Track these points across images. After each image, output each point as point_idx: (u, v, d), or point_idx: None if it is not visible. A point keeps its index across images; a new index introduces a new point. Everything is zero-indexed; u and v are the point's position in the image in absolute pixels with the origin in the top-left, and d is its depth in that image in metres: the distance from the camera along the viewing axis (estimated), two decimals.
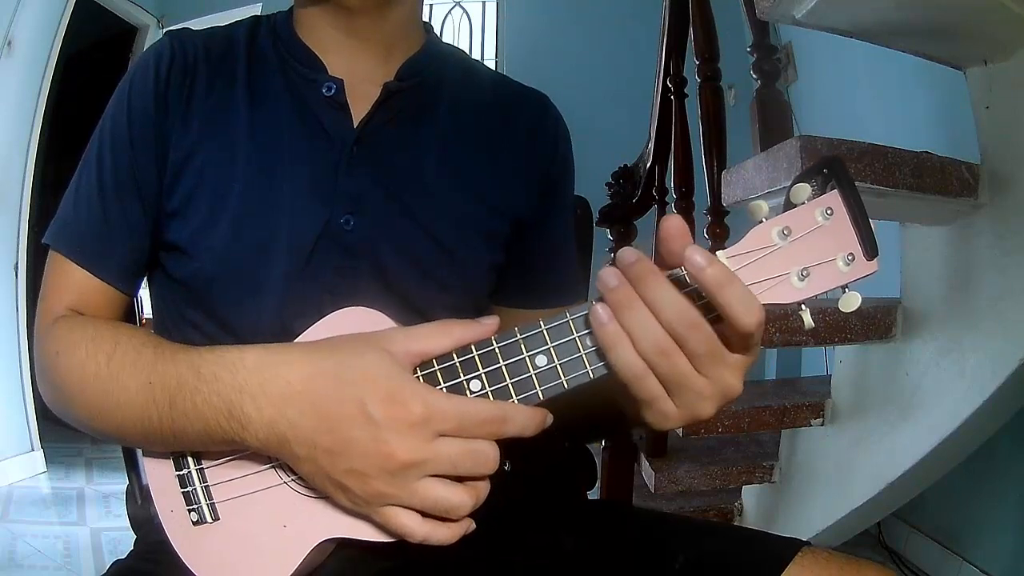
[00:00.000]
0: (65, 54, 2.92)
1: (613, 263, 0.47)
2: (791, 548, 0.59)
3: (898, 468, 1.30)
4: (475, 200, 0.69)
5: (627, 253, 0.46)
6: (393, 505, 0.49)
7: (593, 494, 0.94)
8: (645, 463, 1.57)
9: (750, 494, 1.68)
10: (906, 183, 1.11)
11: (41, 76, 2.84)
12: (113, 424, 0.57)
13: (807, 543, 0.60)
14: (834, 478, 1.44)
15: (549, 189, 0.75)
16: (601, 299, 0.47)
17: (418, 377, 0.51)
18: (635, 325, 0.45)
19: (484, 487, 0.50)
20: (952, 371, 1.21)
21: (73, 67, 3.15)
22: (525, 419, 0.49)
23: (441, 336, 0.50)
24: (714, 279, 0.43)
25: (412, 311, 0.65)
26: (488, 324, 0.51)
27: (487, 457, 0.49)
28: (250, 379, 0.50)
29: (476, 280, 0.70)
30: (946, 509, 1.91)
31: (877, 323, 1.32)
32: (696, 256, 0.43)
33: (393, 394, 0.48)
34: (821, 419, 1.46)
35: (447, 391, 0.50)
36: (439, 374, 0.51)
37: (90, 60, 3.37)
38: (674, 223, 0.46)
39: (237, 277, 0.63)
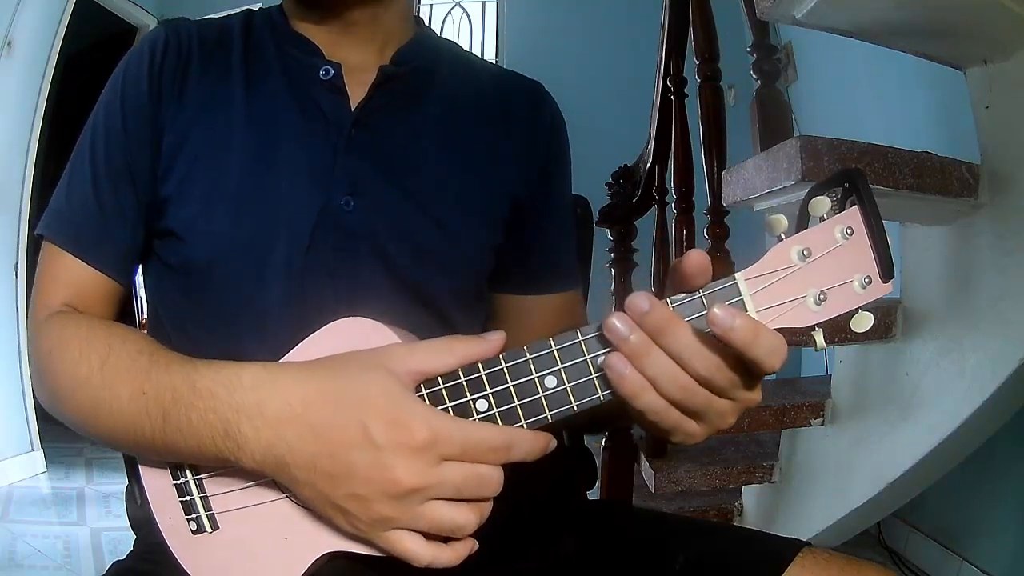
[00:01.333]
0: (65, 54, 2.92)
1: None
2: (791, 548, 0.59)
3: (898, 468, 1.30)
4: (474, 181, 0.70)
5: (639, 300, 0.44)
6: (396, 529, 0.48)
7: (593, 494, 0.94)
8: (645, 463, 1.56)
9: (750, 494, 1.68)
10: (906, 183, 1.11)
11: (41, 76, 2.84)
12: (103, 429, 0.56)
13: (807, 543, 0.60)
14: (834, 478, 1.44)
15: (546, 175, 0.75)
16: (601, 336, 0.46)
17: (422, 396, 0.49)
18: (657, 372, 0.45)
19: (488, 505, 0.49)
20: (952, 371, 1.20)
21: (73, 67, 3.15)
22: (530, 446, 0.49)
23: (444, 354, 0.49)
24: (742, 338, 0.43)
25: (412, 293, 0.65)
26: (493, 340, 0.49)
27: (491, 481, 0.48)
28: (247, 398, 0.49)
29: (475, 261, 0.70)
30: (946, 509, 1.90)
31: (877, 323, 1.32)
32: (722, 315, 0.42)
33: (396, 418, 0.47)
34: (821, 419, 1.45)
35: (452, 411, 0.49)
36: (444, 393, 0.49)
37: (90, 60, 3.35)
38: (696, 260, 0.45)
39: (237, 261, 0.63)
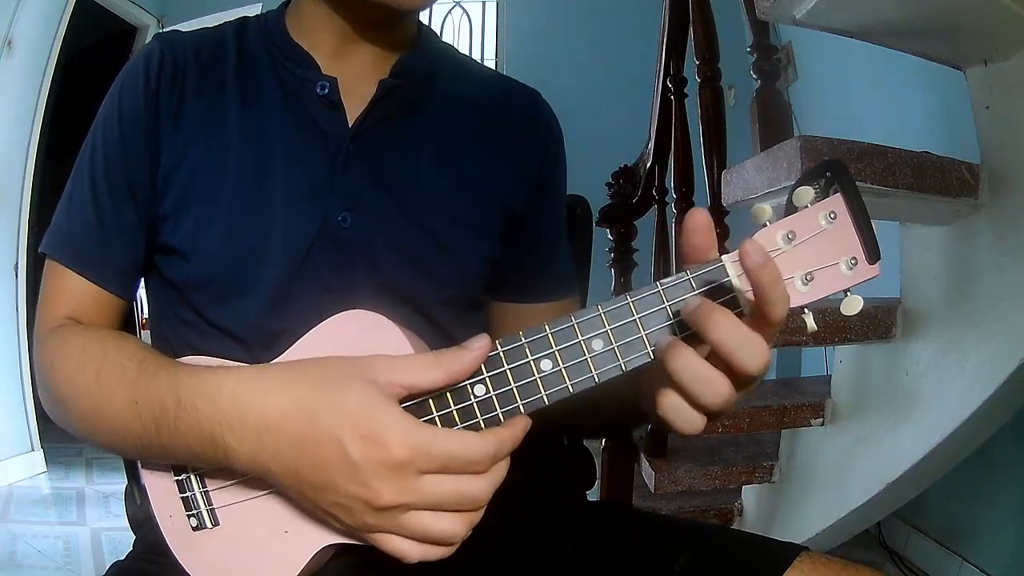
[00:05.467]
0: (65, 54, 2.92)
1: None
2: (789, 553, 0.59)
3: (898, 468, 1.30)
4: (469, 194, 0.69)
5: (756, 252, 0.44)
6: (383, 532, 0.48)
7: (593, 494, 0.94)
8: (645, 463, 1.56)
9: (750, 494, 1.68)
10: (906, 183, 1.11)
11: (41, 76, 2.84)
12: (105, 437, 0.57)
13: (805, 548, 0.59)
14: (834, 478, 1.44)
15: (542, 183, 0.75)
16: (594, 319, 0.47)
17: None
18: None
19: (477, 513, 0.48)
20: (952, 371, 1.20)
21: (73, 67, 3.15)
22: (514, 442, 0.48)
23: (432, 369, 0.48)
24: (770, 277, 0.43)
25: (409, 307, 0.65)
26: (477, 350, 0.48)
27: (477, 496, 0.47)
28: (228, 410, 0.49)
29: (472, 274, 0.70)
30: (946, 509, 1.91)
31: (877, 323, 1.32)
32: (753, 247, 0.43)
33: (372, 435, 0.45)
34: (821, 419, 1.45)
35: (450, 397, 0.49)
36: None
37: (90, 60, 3.37)
38: (696, 217, 0.47)
39: (232, 278, 0.63)
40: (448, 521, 0.47)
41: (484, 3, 3.97)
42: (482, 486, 0.47)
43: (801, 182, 0.48)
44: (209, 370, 0.52)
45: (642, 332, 0.47)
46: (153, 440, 0.53)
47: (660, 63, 1.84)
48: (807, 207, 0.47)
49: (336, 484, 0.47)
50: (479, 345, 0.48)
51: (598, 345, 0.48)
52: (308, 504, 0.50)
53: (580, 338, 0.48)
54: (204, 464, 0.53)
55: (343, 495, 0.47)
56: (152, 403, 0.52)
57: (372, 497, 0.46)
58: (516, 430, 0.48)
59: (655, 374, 0.47)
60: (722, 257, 0.47)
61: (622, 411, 0.62)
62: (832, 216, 0.46)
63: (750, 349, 0.44)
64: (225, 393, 0.49)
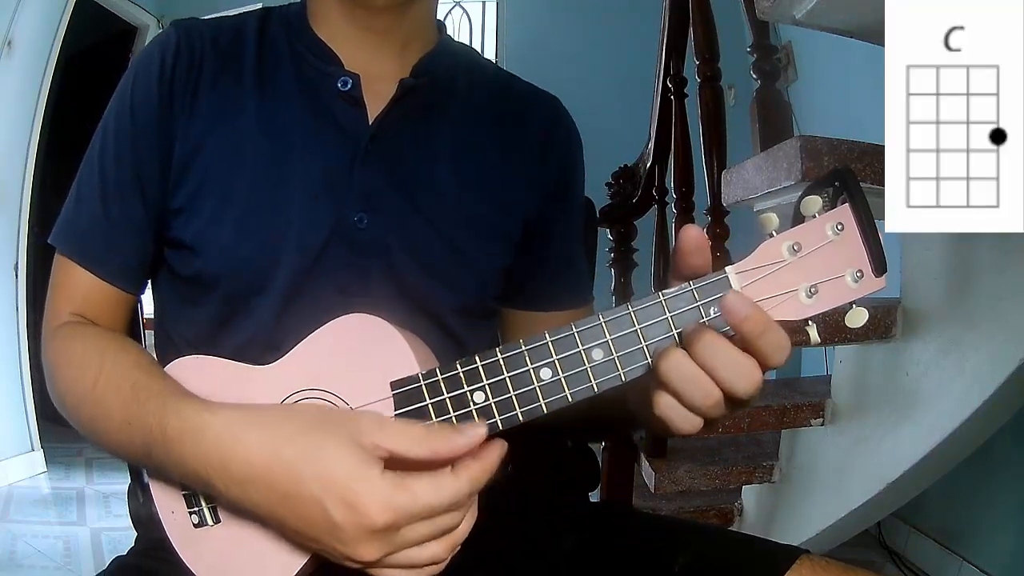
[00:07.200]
0: (65, 54, 2.92)
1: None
2: (789, 555, 0.59)
3: (898, 468, 1.29)
4: (487, 200, 0.69)
5: (740, 305, 0.45)
6: None
7: (593, 494, 0.94)
8: (645, 463, 1.56)
9: (750, 494, 1.68)
10: None
11: (41, 76, 2.84)
12: (103, 444, 0.58)
13: (806, 551, 0.60)
14: (834, 478, 1.44)
15: (560, 192, 0.74)
16: (594, 328, 0.48)
17: (420, 388, 0.50)
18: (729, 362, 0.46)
19: (461, 534, 0.48)
20: (952, 371, 1.20)
21: (73, 67, 3.15)
22: (488, 472, 0.47)
23: (418, 444, 0.46)
24: (751, 329, 0.44)
25: (421, 312, 0.65)
26: (472, 436, 0.47)
27: (456, 535, 0.48)
28: (212, 455, 0.49)
29: (486, 281, 0.70)
30: (946, 509, 1.91)
31: (877, 323, 1.32)
32: (736, 303, 0.44)
33: (354, 502, 0.45)
34: (821, 419, 1.45)
35: (450, 402, 0.49)
36: (442, 384, 0.50)
37: (90, 60, 3.37)
38: (692, 237, 0.47)
39: (244, 275, 0.62)
40: (432, 549, 0.47)
41: (484, 3, 3.97)
42: (463, 528, 0.48)
43: (809, 191, 0.47)
44: (195, 408, 0.52)
45: (643, 343, 0.47)
46: (145, 460, 0.54)
47: (660, 63, 1.84)
48: (814, 217, 0.46)
49: (319, 539, 0.47)
50: (473, 432, 0.46)
51: (598, 355, 0.48)
52: (293, 542, 0.51)
53: (580, 347, 0.48)
54: (194, 489, 0.55)
55: (326, 547, 0.48)
56: (143, 428, 0.53)
57: (355, 555, 0.47)
58: (490, 461, 0.47)
59: (649, 377, 0.48)
60: (725, 268, 0.47)
61: (612, 415, 0.62)
62: (839, 228, 0.46)
63: (739, 374, 0.45)
64: (209, 436, 0.50)
